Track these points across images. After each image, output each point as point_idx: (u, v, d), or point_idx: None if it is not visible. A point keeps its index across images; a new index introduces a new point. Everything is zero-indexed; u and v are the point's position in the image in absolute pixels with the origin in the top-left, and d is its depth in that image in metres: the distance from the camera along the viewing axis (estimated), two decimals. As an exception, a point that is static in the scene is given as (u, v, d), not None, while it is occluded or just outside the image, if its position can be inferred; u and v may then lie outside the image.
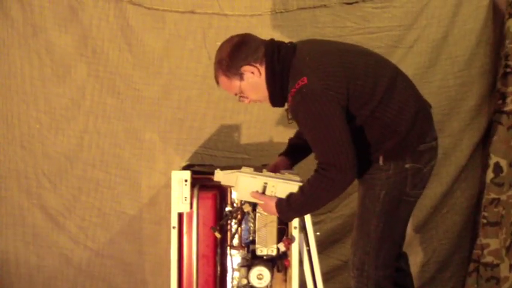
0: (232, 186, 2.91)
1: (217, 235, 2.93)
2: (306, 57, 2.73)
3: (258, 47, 2.79)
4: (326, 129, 2.59)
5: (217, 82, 2.87)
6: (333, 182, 2.63)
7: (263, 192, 2.82)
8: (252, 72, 2.77)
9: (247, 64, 2.76)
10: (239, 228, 3.03)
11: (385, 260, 2.90)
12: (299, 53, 2.76)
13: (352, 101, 2.66)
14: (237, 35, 2.84)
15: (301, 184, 2.78)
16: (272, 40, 2.85)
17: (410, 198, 2.87)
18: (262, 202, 2.85)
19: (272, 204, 2.79)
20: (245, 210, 2.98)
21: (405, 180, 2.80)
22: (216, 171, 2.91)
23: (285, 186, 2.80)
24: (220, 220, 2.99)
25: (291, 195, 2.76)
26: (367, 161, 2.81)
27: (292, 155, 3.22)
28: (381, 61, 2.87)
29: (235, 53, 2.76)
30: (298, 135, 3.26)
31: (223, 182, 2.91)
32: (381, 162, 2.78)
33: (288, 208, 2.76)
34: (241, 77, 2.78)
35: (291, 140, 3.27)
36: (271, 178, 2.83)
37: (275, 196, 2.80)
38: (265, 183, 2.82)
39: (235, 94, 2.85)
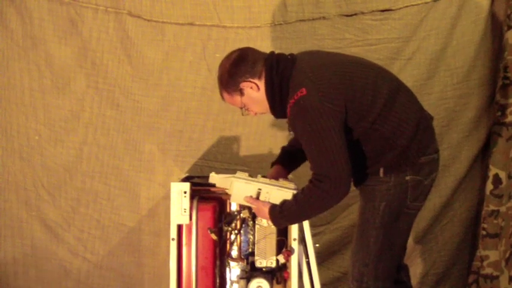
0: (227, 189, 2.92)
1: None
2: (306, 69, 2.74)
3: (256, 61, 2.81)
4: (322, 141, 2.60)
5: (223, 98, 2.91)
6: (326, 194, 2.64)
7: (257, 198, 2.84)
8: (251, 88, 2.80)
9: (245, 80, 2.79)
10: (238, 239, 3.03)
11: (384, 272, 2.90)
12: (299, 64, 2.78)
13: (351, 113, 2.67)
14: (237, 50, 2.87)
15: (295, 191, 2.80)
16: (272, 53, 2.87)
17: (410, 210, 2.86)
18: (254, 207, 2.88)
19: (265, 210, 2.81)
20: (243, 216, 2.98)
21: (406, 192, 2.80)
22: (211, 174, 2.94)
23: (278, 193, 2.82)
24: (219, 231, 2.99)
25: (284, 203, 2.79)
26: (367, 172, 2.82)
27: (287, 163, 3.22)
28: (382, 73, 2.87)
29: (233, 70, 2.80)
30: (291, 143, 3.27)
31: (219, 185, 2.93)
32: (381, 174, 2.78)
33: (280, 215, 2.78)
34: (241, 92, 2.81)
35: (284, 148, 3.27)
36: (265, 184, 2.85)
37: (268, 202, 2.82)
38: (259, 189, 2.85)
39: (240, 108, 2.89)
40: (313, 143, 2.64)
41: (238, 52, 2.86)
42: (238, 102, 2.85)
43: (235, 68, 2.80)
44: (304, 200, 2.72)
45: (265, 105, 2.83)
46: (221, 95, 2.90)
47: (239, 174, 2.93)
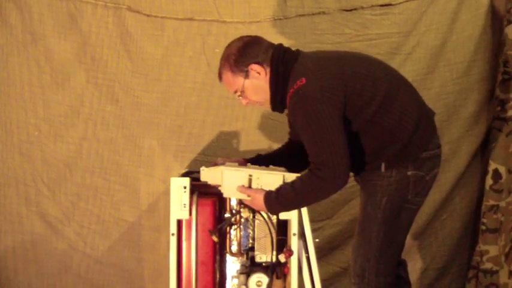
0: (219, 186, 2.92)
1: (215, 239, 2.95)
2: (308, 61, 2.77)
3: (267, 49, 2.84)
4: (321, 130, 2.61)
5: (220, 77, 2.90)
6: (324, 183, 2.65)
7: (249, 186, 2.83)
8: (258, 73, 2.80)
9: (256, 63, 2.79)
10: (238, 235, 3.03)
11: (386, 267, 2.90)
12: (302, 57, 2.81)
13: (350, 104, 2.68)
14: (248, 35, 2.91)
15: (285, 174, 2.81)
16: (280, 44, 2.90)
17: (412, 205, 2.86)
18: (249, 198, 2.86)
19: (260, 198, 2.80)
20: (244, 216, 2.98)
21: (407, 187, 2.80)
22: (201, 168, 2.94)
23: (269, 177, 2.82)
24: (218, 229, 2.99)
25: (280, 189, 2.79)
26: (369, 167, 2.83)
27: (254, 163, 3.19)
28: (383, 68, 2.89)
29: (245, 50, 2.81)
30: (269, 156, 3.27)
31: (210, 181, 2.93)
32: (383, 169, 2.78)
33: (276, 201, 2.77)
34: (246, 74, 2.81)
35: (263, 156, 3.27)
36: (256, 170, 2.85)
37: (262, 189, 2.82)
38: (250, 176, 2.84)
39: (235, 92, 2.88)
40: (311, 132, 2.65)
41: (251, 37, 2.90)
42: (239, 84, 2.84)
43: (249, 49, 2.82)
44: (302, 188, 2.72)
45: (265, 94, 2.84)
46: (221, 74, 2.89)
47: (228, 164, 2.93)
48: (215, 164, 3.04)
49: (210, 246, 3.00)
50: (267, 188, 2.81)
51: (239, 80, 2.83)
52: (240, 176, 2.85)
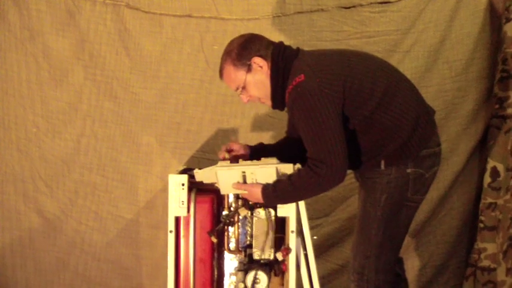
0: (216, 183, 2.92)
1: (214, 240, 2.94)
2: (307, 58, 2.79)
3: (268, 45, 2.85)
4: (319, 126, 2.62)
5: (221, 73, 2.91)
6: (322, 179, 2.66)
7: (244, 182, 2.85)
8: (261, 66, 2.81)
9: (259, 56, 2.80)
10: (236, 232, 3.03)
11: (385, 265, 2.91)
12: (301, 54, 2.83)
13: (349, 100, 2.68)
14: (249, 33, 2.93)
15: (278, 166, 2.81)
16: (281, 42, 2.91)
17: (411, 203, 2.87)
18: (246, 192, 2.87)
19: (257, 191, 2.81)
20: (241, 214, 2.98)
21: (407, 185, 2.81)
22: (195, 171, 2.94)
23: (263, 170, 2.83)
24: (217, 224, 2.99)
25: (278, 183, 2.79)
26: (369, 165, 2.83)
27: (256, 151, 3.19)
28: (383, 65, 2.89)
29: (248, 45, 2.83)
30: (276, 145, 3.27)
31: (206, 181, 2.93)
32: (382, 166, 2.79)
33: (273, 194, 2.79)
34: (249, 68, 2.82)
35: (266, 145, 3.27)
36: (248, 166, 2.86)
37: (258, 183, 2.83)
38: (244, 172, 2.85)
39: (237, 88, 2.88)
40: (310, 128, 2.66)
41: (252, 34, 2.92)
42: (241, 79, 2.84)
43: (250, 44, 2.84)
44: (300, 183, 2.73)
45: (265, 90, 2.84)
46: (222, 70, 2.89)
47: (220, 163, 2.93)
48: (230, 149, 3.08)
49: (208, 244, 3.00)
50: (262, 181, 2.82)
51: (241, 75, 2.83)
52: (234, 174, 2.86)
